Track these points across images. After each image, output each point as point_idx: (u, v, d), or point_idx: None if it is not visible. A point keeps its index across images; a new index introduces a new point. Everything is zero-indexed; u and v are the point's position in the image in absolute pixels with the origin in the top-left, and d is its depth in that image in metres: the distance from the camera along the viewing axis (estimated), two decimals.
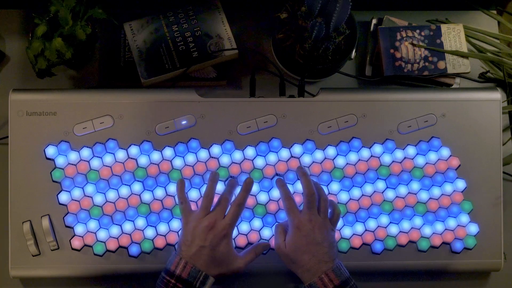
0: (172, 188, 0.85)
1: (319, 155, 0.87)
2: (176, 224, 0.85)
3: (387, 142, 0.88)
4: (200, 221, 0.78)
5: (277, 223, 0.85)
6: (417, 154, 0.88)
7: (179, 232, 0.85)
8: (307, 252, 0.77)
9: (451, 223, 0.87)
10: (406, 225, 0.87)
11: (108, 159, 0.86)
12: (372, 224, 0.86)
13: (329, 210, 0.82)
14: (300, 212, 0.80)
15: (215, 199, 0.81)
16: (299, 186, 0.85)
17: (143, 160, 0.86)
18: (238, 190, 0.84)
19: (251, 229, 0.85)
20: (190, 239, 0.77)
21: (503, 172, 0.91)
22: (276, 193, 0.86)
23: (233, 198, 0.82)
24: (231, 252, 0.79)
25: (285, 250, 0.79)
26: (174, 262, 0.76)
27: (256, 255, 0.81)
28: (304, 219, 0.79)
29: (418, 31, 0.97)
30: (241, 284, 0.89)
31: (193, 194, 0.85)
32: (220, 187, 0.84)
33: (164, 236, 0.85)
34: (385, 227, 0.87)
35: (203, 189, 0.85)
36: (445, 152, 0.88)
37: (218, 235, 0.77)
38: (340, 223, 0.85)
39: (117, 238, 0.85)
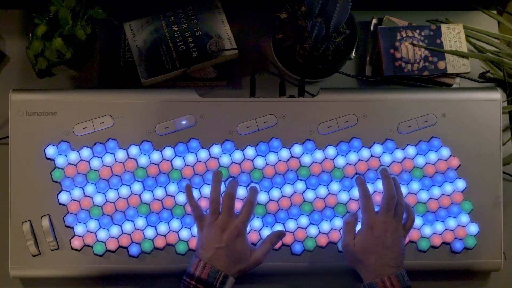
0: (172, 188, 0.85)
1: (319, 155, 0.87)
2: (176, 224, 0.85)
3: (387, 142, 0.88)
4: (213, 224, 0.78)
5: (345, 220, 0.84)
6: (417, 154, 0.88)
7: (183, 231, 0.85)
8: (375, 253, 0.77)
9: (451, 223, 0.87)
10: None
11: (108, 159, 0.86)
12: None
13: (404, 216, 0.82)
14: (376, 213, 0.80)
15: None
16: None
17: (143, 160, 0.86)
18: (240, 190, 0.85)
19: (251, 229, 0.85)
20: (206, 243, 0.78)
21: (503, 172, 0.91)
22: (276, 193, 0.86)
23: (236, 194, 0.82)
24: (247, 247, 0.79)
25: (353, 248, 0.79)
26: (194, 264, 0.77)
27: (272, 244, 0.81)
28: (379, 220, 0.79)
29: (418, 31, 0.97)
30: (243, 283, 0.89)
31: (193, 194, 0.85)
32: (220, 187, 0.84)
33: (164, 236, 0.85)
34: None
35: (203, 189, 0.85)
36: (445, 152, 0.88)
37: (232, 234, 0.77)
38: (340, 223, 0.85)
39: (117, 238, 0.85)
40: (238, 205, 0.83)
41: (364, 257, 0.78)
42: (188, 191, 0.83)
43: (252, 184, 0.85)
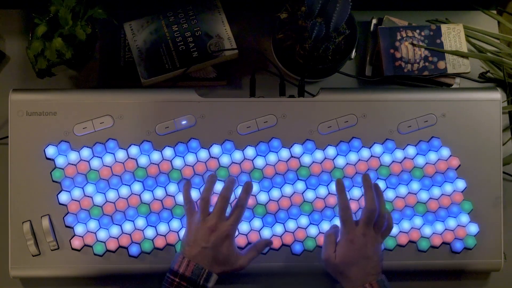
0: (172, 188, 0.85)
1: (319, 155, 0.87)
2: (176, 224, 0.85)
3: (387, 142, 0.88)
4: (202, 223, 0.78)
5: (326, 232, 0.83)
6: (417, 154, 0.88)
7: (182, 231, 0.85)
8: (356, 264, 0.77)
9: (451, 223, 0.87)
10: (406, 225, 0.87)
11: (108, 159, 0.86)
12: None
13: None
14: (356, 225, 0.80)
15: (215, 199, 0.81)
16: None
17: (143, 160, 0.86)
18: (238, 190, 0.84)
19: (251, 229, 0.85)
20: (193, 240, 0.78)
21: (503, 172, 0.91)
22: (276, 193, 0.86)
23: (233, 196, 0.83)
24: (234, 251, 0.79)
25: (334, 261, 0.79)
26: (177, 261, 0.77)
27: (258, 252, 0.82)
28: (359, 233, 0.79)
29: (418, 31, 0.97)
30: (243, 283, 0.89)
31: (193, 194, 0.85)
32: (219, 186, 0.84)
33: (164, 236, 0.85)
34: None
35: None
36: (445, 152, 0.88)
37: (220, 236, 0.77)
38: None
39: (117, 238, 0.85)
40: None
41: (346, 269, 0.78)
42: (186, 185, 0.83)
43: (247, 181, 0.84)
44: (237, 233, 0.85)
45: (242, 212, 0.81)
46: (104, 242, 0.85)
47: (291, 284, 0.89)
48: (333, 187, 0.86)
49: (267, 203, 0.86)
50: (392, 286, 0.79)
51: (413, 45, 0.97)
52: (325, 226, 0.86)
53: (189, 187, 0.83)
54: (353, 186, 0.87)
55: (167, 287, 0.76)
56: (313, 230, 0.86)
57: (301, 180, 0.87)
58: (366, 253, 0.78)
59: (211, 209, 0.80)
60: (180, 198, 0.85)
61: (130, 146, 0.86)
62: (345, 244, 0.79)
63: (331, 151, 0.87)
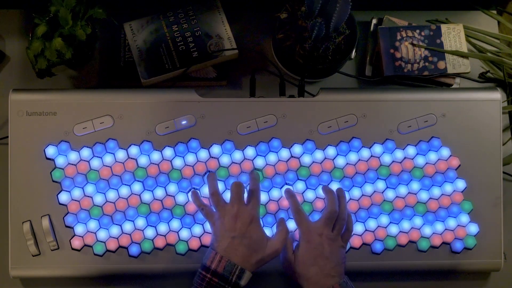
0: (172, 188, 0.85)
1: (319, 155, 0.87)
2: (176, 224, 0.85)
3: (387, 142, 0.88)
4: (223, 214, 0.78)
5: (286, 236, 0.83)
6: (417, 154, 0.88)
7: (183, 231, 0.85)
8: (314, 265, 0.77)
9: (451, 223, 0.87)
10: (406, 225, 0.87)
11: (108, 159, 0.86)
12: (372, 224, 0.86)
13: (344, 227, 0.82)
14: (312, 225, 0.80)
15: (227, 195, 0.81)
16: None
17: (143, 160, 0.86)
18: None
19: None
20: (220, 234, 0.77)
21: (503, 172, 0.91)
22: (276, 193, 0.86)
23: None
24: (263, 235, 0.78)
25: (292, 263, 0.79)
26: (210, 257, 0.75)
27: (287, 232, 0.81)
28: (314, 232, 0.79)
29: (418, 31, 0.97)
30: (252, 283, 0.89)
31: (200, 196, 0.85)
32: (220, 187, 0.84)
33: (164, 236, 0.85)
34: (385, 227, 0.87)
35: (203, 189, 0.85)
36: (445, 152, 0.88)
37: (246, 221, 0.77)
38: None
39: (117, 238, 0.85)
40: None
41: (305, 270, 0.77)
42: (194, 194, 0.83)
43: (252, 170, 0.84)
44: None
45: (259, 195, 0.81)
46: (104, 242, 0.85)
47: (292, 284, 0.89)
48: (333, 187, 0.86)
49: (267, 203, 0.86)
50: (355, 286, 0.78)
51: (413, 45, 0.97)
52: None
53: (197, 195, 0.83)
54: (353, 186, 0.87)
55: (199, 283, 0.74)
56: None
57: (301, 180, 0.87)
58: (323, 253, 0.77)
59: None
60: (180, 198, 0.85)
61: (130, 146, 0.86)
62: (302, 244, 0.79)
63: (331, 151, 0.87)
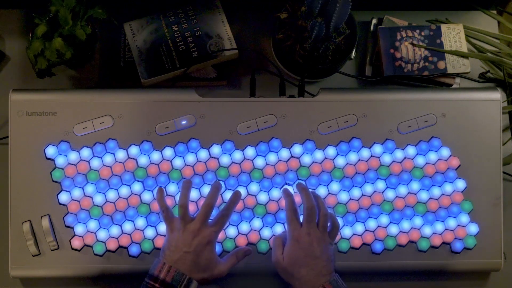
0: (172, 188, 0.85)
1: (319, 155, 0.87)
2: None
3: (387, 142, 0.88)
4: (184, 228, 0.78)
5: (274, 236, 0.85)
6: (417, 154, 0.88)
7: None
8: (305, 265, 0.77)
9: (451, 223, 0.87)
10: (406, 225, 0.87)
11: (108, 159, 0.86)
12: (372, 224, 0.86)
13: (329, 224, 0.82)
14: (301, 226, 0.80)
15: (200, 203, 0.81)
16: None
17: (143, 160, 0.86)
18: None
19: (251, 229, 0.85)
20: (175, 245, 0.77)
21: (503, 172, 0.91)
22: (276, 193, 0.86)
23: (218, 199, 0.82)
24: (214, 258, 0.79)
25: (283, 263, 0.79)
26: (158, 267, 0.76)
27: (238, 260, 0.82)
28: (303, 232, 0.79)
29: (418, 31, 0.97)
30: (234, 284, 0.89)
31: (193, 194, 0.85)
32: (206, 189, 0.84)
33: (164, 236, 0.85)
34: (385, 227, 0.87)
35: (204, 189, 0.85)
36: (445, 152, 0.88)
37: (203, 241, 0.77)
38: (340, 222, 0.85)
39: (117, 238, 0.85)
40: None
41: (295, 270, 0.78)
42: (159, 192, 0.82)
43: (237, 190, 0.84)
44: (237, 233, 0.85)
45: (226, 221, 0.81)
46: (104, 242, 0.85)
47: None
48: (333, 187, 0.86)
49: (267, 203, 0.86)
50: (346, 284, 0.78)
51: (413, 45, 0.97)
52: None
53: (163, 193, 0.82)
54: (353, 186, 0.87)
55: None
56: None
57: (301, 180, 0.87)
58: (313, 252, 0.77)
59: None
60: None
61: (130, 146, 0.86)
62: (291, 244, 0.79)
63: (331, 151, 0.87)
